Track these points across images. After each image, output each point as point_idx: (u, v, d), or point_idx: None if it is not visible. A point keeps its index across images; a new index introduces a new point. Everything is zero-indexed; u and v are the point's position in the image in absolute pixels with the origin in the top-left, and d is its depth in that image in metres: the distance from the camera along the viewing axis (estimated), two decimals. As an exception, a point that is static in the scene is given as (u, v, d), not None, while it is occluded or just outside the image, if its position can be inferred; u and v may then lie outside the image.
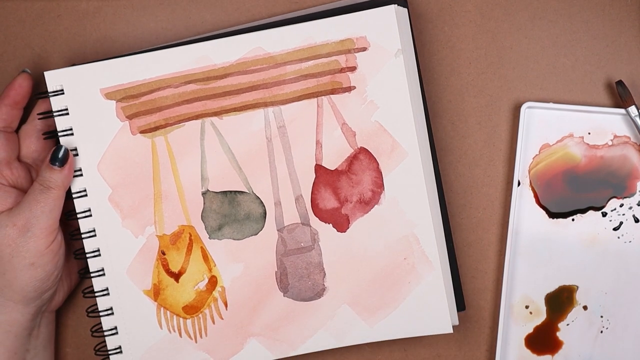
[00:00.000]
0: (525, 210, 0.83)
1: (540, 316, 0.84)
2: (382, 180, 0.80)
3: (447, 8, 0.84)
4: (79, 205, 0.80)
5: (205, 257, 0.81)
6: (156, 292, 0.81)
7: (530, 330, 0.84)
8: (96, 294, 0.81)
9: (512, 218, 0.83)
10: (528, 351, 0.84)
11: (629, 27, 0.84)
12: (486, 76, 0.84)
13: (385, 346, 0.85)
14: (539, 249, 0.84)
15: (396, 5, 0.78)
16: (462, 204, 0.84)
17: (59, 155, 0.78)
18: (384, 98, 0.79)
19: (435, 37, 0.84)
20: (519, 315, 0.84)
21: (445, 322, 0.80)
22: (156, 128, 0.80)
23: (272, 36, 0.79)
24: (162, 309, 0.81)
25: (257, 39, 0.79)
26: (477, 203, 0.84)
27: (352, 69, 0.79)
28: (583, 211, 0.83)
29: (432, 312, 0.80)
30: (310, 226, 0.80)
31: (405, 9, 0.80)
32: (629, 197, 0.83)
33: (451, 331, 0.80)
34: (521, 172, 0.83)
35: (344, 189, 0.80)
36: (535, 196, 0.84)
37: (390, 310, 0.81)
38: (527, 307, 0.84)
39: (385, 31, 0.79)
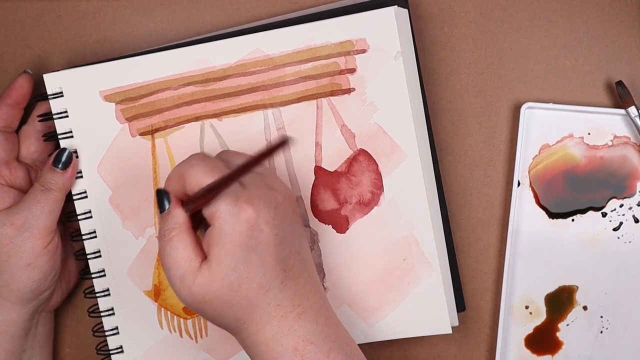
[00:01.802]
0: (525, 210, 0.83)
1: (540, 316, 0.83)
2: (382, 182, 0.79)
3: (447, 8, 0.83)
4: (80, 206, 0.80)
5: (205, 258, 0.81)
6: (157, 293, 0.81)
7: (530, 331, 0.83)
8: (97, 295, 0.81)
9: (512, 218, 0.82)
10: (528, 351, 0.83)
11: (629, 27, 0.83)
12: (486, 76, 0.84)
13: (385, 346, 0.85)
14: (539, 249, 0.83)
15: (396, 6, 0.78)
16: (462, 205, 0.84)
17: (62, 158, 0.77)
18: (384, 100, 0.79)
19: (435, 38, 0.84)
20: (519, 316, 0.83)
21: (444, 322, 0.80)
22: (156, 130, 0.80)
23: (272, 38, 0.78)
24: (162, 309, 0.81)
25: (256, 40, 0.78)
26: (477, 203, 0.84)
27: (352, 70, 0.79)
28: (583, 211, 0.83)
29: (431, 312, 0.80)
30: (310, 227, 0.80)
31: (406, 10, 0.79)
32: (628, 197, 0.83)
33: (450, 332, 0.80)
34: (521, 172, 0.83)
35: (343, 191, 0.80)
36: (535, 196, 0.83)
37: (389, 310, 0.80)
38: (527, 307, 0.83)
39: (385, 33, 0.78)
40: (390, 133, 0.79)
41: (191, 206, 0.69)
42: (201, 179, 0.68)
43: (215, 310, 0.69)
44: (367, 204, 0.80)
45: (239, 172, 0.66)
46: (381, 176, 0.79)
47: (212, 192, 0.67)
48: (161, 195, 0.70)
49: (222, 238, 0.68)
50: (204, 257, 0.69)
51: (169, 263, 0.69)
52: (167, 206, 0.70)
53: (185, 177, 0.69)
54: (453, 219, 0.84)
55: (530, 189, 0.83)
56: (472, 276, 0.84)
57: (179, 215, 0.69)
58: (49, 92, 0.79)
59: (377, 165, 0.79)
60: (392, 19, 0.78)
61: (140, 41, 0.84)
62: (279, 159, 0.79)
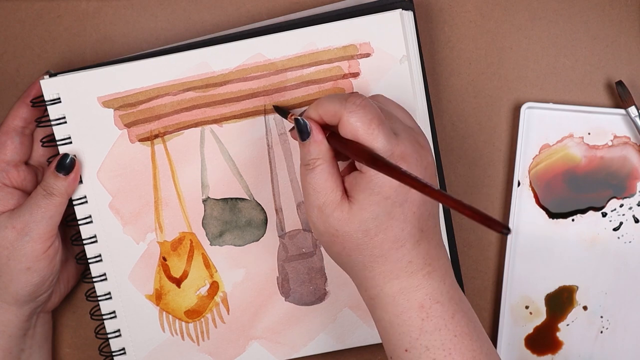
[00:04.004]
0: (525, 210, 0.79)
1: (540, 316, 0.79)
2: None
3: (447, 8, 0.79)
4: (80, 212, 0.76)
5: (207, 263, 0.76)
6: (158, 297, 0.76)
7: (530, 331, 0.79)
8: (99, 298, 0.77)
9: (512, 218, 0.79)
10: (528, 351, 0.79)
11: (629, 27, 0.79)
12: (486, 76, 0.79)
13: (386, 346, 0.80)
14: (539, 249, 0.79)
15: (401, 10, 0.72)
16: (462, 205, 0.79)
17: (65, 163, 0.73)
18: (388, 104, 0.73)
19: (435, 37, 0.79)
20: (519, 316, 0.79)
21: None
22: (155, 136, 0.75)
23: (273, 42, 0.73)
24: (164, 313, 0.76)
25: (257, 45, 0.73)
26: (477, 203, 0.80)
27: (355, 75, 0.73)
28: (583, 211, 0.79)
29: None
30: (312, 232, 0.74)
31: (411, 12, 0.73)
32: (628, 197, 0.78)
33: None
34: (521, 172, 0.78)
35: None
36: (535, 196, 0.79)
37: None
38: (527, 307, 0.79)
39: (390, 37, 0.72)
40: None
41: (338, 147, 0.66)
42: (357, 129, 0.64)
43: (344, 249, 0.66)
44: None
45: (403, 175, 0.61)
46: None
47: (365, 154, 0.64)
48: (302, 124, 0.66)
49: (372, 187, 0.64)
50: (344, 192, 0.66)
51: (310, 190, 0.66)
52: (308, 134, 0.66)
53: (342, 120, 0.65)
54: (453, 219, 0.80)
55: (530, 189, 0.79)
56: (472, 276, 0.80)
57: (324, 145, 0.66)
58: (46, 98, 0.74)
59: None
60: (397, 22, 0.72)
61: (140, 41, 0.80)
62: (281, 163, 0.74)
